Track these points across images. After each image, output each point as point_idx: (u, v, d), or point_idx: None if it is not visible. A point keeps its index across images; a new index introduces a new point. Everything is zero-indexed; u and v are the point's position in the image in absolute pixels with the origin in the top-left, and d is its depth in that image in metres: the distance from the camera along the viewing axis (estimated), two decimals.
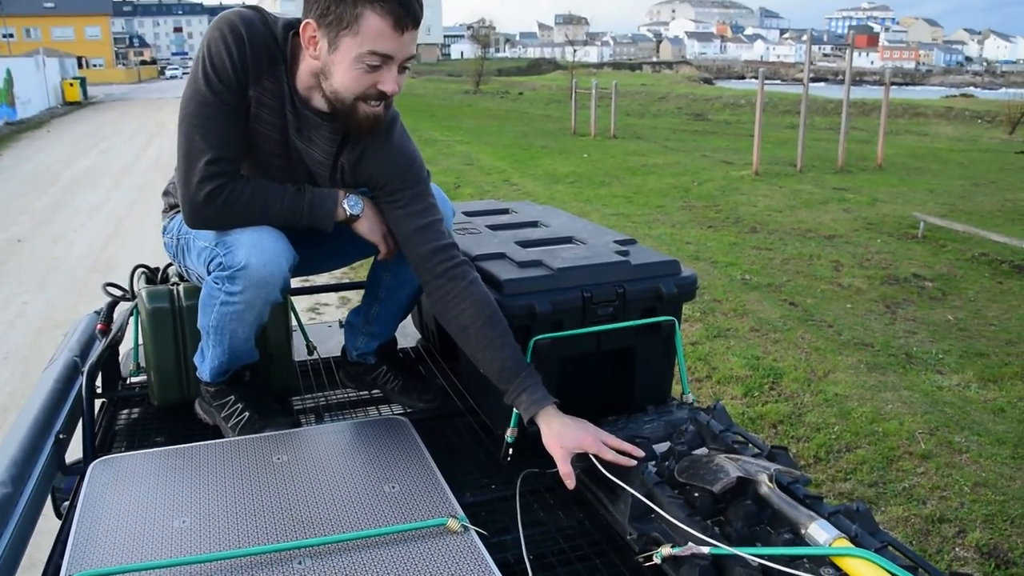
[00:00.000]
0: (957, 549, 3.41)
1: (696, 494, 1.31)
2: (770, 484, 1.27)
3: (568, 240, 1.97)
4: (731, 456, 1.37)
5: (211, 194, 1.56)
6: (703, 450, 1.47)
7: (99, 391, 2.02)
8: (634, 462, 1.44)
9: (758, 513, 1.27)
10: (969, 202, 11.43)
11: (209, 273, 1.66)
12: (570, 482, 1.49)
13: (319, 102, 1.60)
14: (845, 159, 14.41)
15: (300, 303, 6.06)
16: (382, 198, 1.71)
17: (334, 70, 1.52)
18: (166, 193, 1.87)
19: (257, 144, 1.64)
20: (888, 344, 5.84)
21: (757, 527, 1.26)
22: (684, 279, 1.81)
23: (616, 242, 1.96)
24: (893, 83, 20.37)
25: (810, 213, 10.45)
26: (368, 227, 1.69)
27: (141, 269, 2.06)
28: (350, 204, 1.66)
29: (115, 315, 2.10)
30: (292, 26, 1.59)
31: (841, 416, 4.66)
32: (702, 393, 5.03)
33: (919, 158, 17.06)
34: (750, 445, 1.51)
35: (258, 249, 1.58)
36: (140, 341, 1.95)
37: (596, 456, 1.49)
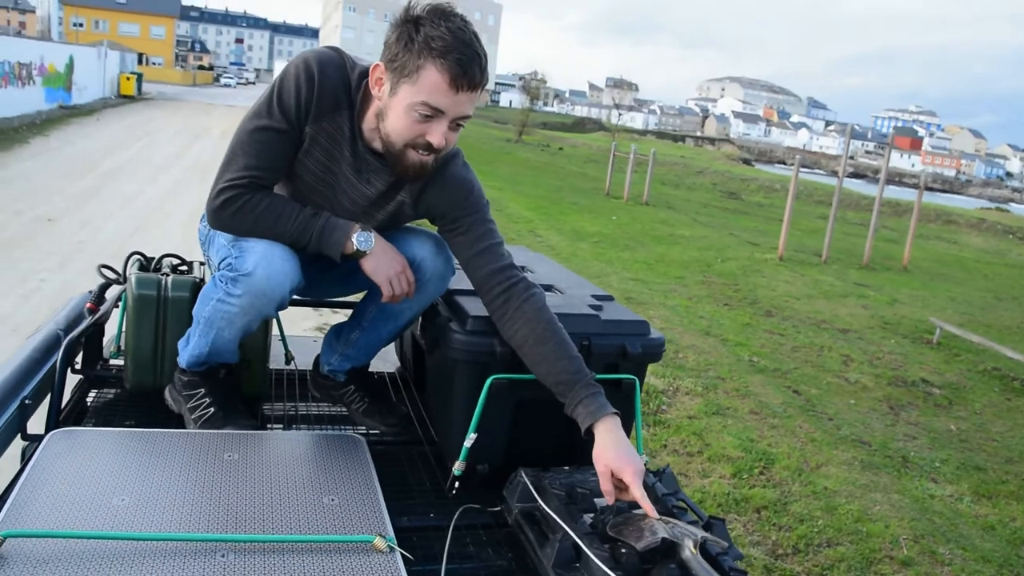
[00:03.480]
0: None
1: (623, 550, 1.31)
2: (693, 550, 1.28)
3: (548, 288, 2.00)
4: (665, 519, 1.37)
5: (228, 200, 1.64)
6: (643, 511, 1.46)
7: (78, 367, 2.05)
8: (656, 514, 1.44)
9: None
10: (989, 314, 11.35)
11: (219, 270, 1.72)
12: (610, 499, 1.52)
13: (380, 144, 1.68)
14: (871, 256, 14.39)
15: (305, 319, 6.11)
16: (443, 227, 1.79)
17: (390, 113, 1.61)
18: None
19: (302, 177, 1.73)
20: (886, 445, 5.77)
21: None
22: (651, 340, 1.83)
23: (593, 296, 1.99)
24: (932, 189, 20.42)
25: (828, 304, 10.41)
26: (372, 266, 1.71)
27: (136, 256, 2.11)
28: (359, 240, 1.69)
29: (107, 297, 2.14)
30: (367, 73, 1.68)
31: (827, 511, 4.59)
32: (691, 468, 4.99)
33: (945, 264, 17.01)
34: (690, 512, 1.51)
35: (267, 261, 1.64)
36: (124, 325, 1.98)
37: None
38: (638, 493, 1.47)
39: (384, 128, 1.63)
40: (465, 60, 1.53)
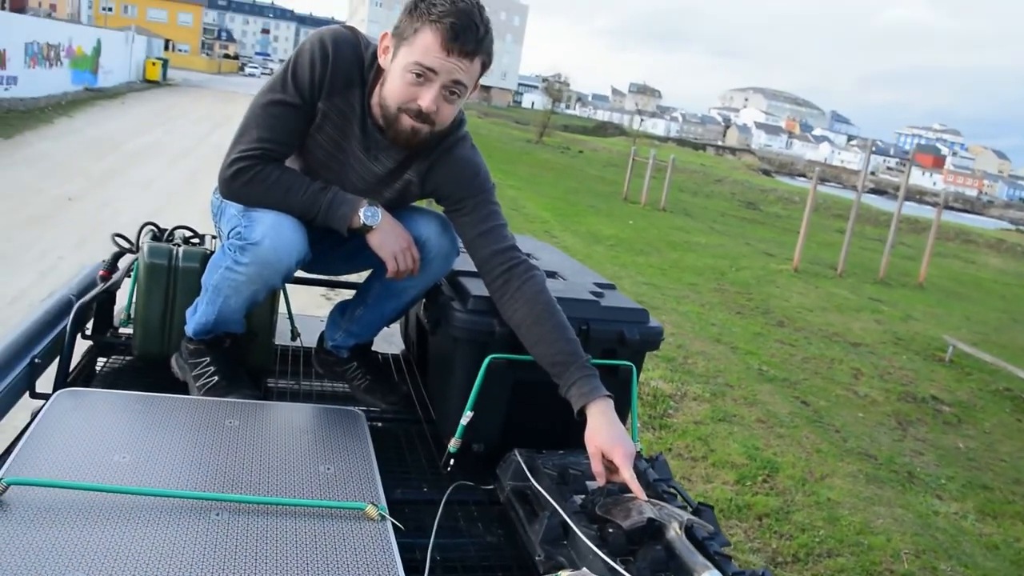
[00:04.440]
0: None
1: (610, 529, 1.33)
2: (678, 531, 1.29)
3: (552, 275, 2.02)
4: (654, 501, 1.39)
5: (240, 171, 1.68)
6: (633, 495, 1.48)
7: (88, 333, 2.09)
8: (644, 496, 1.45)
9: (666, 560, 1.29)
10: (1003, 335, 11.26)
11: (228, 239, 1.76)
12: (600, 480, 1.54)
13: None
14: (887, 271, 14.30)
15: (318, 307, 6.13)
16: (448, 207, 1.82)
17: (389, 77, 1.66)
18: None
19: (313, 153, 1.77)
20: (892, 460, 5.74)
21: (662, 573, 1.27)
22: (650, 328, 1.85)
23: (596, 284, 2.01)
24: (953, 208, 20.30)
25: (841, 317, 10.36)
26: (378, 241, 1.74)
27: (149, 226, 2.14)
28: (366, 214, 1.72)
29: (119, 266, 2.17)
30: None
31: (829, 521, 4.58)
32: (695, 473, 4.98)
33: (961, 283, 16.89)
34: (679, 498, 1.52)
35: (275, 232, 1.67)
36: (135, 294, 2.01)
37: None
38: (627, 474, 1.48)
39: (383, 92, 1.67)
40: (460, 25, 1.57)
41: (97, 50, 25.02)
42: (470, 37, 1.59)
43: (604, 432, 1.55)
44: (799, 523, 4.49)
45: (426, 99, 1.62)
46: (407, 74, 1.61)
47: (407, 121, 1.65)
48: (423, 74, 1.60)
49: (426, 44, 1.58)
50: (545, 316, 1.68)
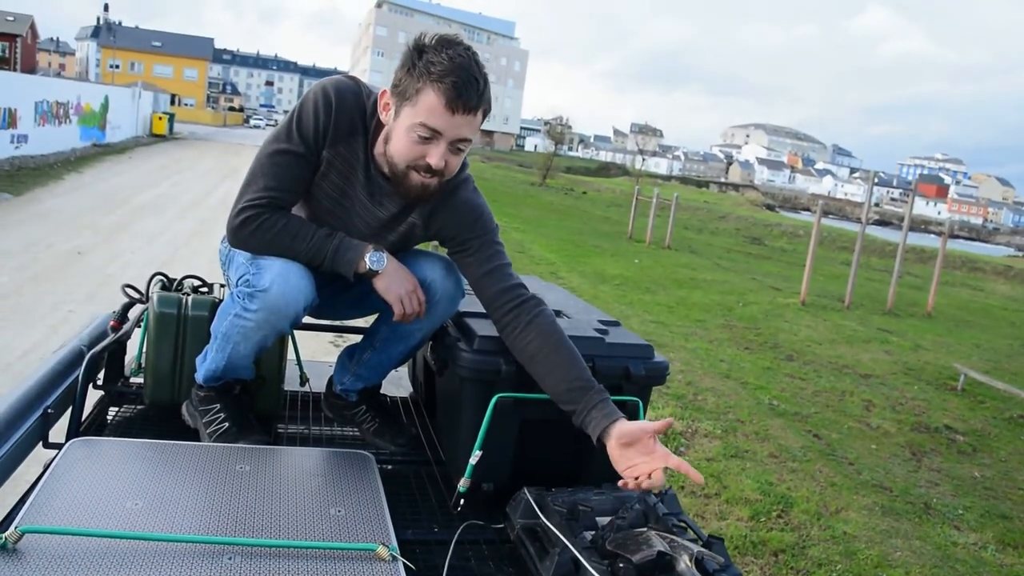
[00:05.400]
0: None
1: (621, 564, 1.33)
2: (689, 564, 1.29)
3: (558, 313, 2.03)
4: (663, 535, 1.39)
5: (247, 219, 1.71)
6: (644, 529, 1.48)
7: (99, 383, 2.11)
8: (699, 477, 1.47)
9: None
10: (1015, 362, 11.19)
11: (237, 286, 1.78)
12: (632, 483, 1.54)
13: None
14: (894, 302, 14.28)
15: (327, 354, 6.16)
16: (453, 249, 1.85)
17: (393, 136, 1.68)
18: None
19: (318, 200, 1.81)
20: (907, 491, 5.68)
21: None
22: (655, 363, 1.86)
23: (600, 321, 2.03)
24: (958, 236, 20.34)
25: (850, 349, 10.33)
26: (384, 285, 1.76)
27: (159, 276, 2.18)
28: (372, 260, 1.74)
29: (129, 315, 2.20)
30: None
31: (846, 555, 4.53)
32: (708, 510, 4.94)
33: (970, 312, 16.83)
34: (690, 531, 1.53)
35: (282, 279, 1.70)
36: (145, 343, 2.04)
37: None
38: (675, 460, 1.50)
39: (389, 150, 1.70)
40: (461, 83, 1.59)
41: (105, 106, 25.46)
42: (472, 93, 1.61)
43: (641, 424, 1.58)
44: (815, 558, 4.44)
45: (435, 157, 1.65)
46: (413, 134, 1.63)
47: (416, 178, 1.68)
48: (430, 136, 1.63)
49: (430, 105, 1.60)
50: (560, 345, 1.69)
